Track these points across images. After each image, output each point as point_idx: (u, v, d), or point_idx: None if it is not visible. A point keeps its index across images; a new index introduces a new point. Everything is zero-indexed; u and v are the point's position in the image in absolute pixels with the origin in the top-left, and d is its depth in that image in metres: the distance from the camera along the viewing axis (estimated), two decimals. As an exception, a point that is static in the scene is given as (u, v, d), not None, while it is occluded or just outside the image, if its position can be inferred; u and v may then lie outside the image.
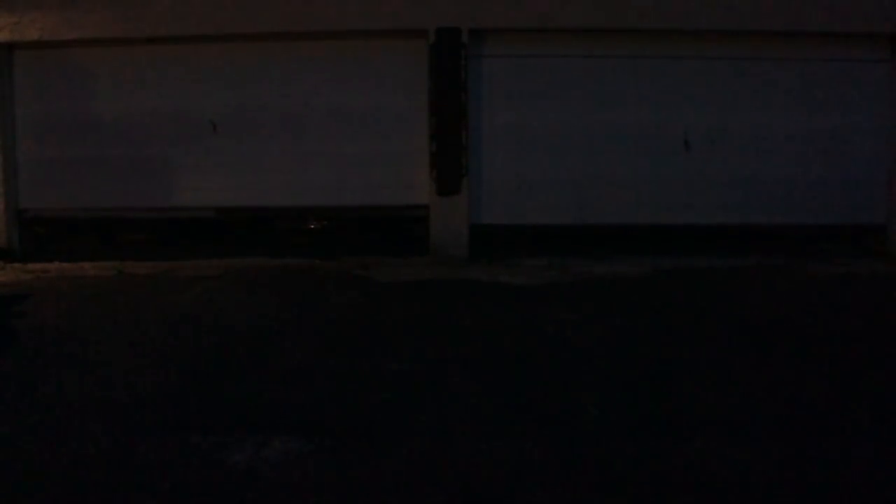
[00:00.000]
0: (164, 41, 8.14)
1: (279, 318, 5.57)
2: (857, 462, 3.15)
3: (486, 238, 8.31)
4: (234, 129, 8.27)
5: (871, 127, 8.18)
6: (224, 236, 9.69)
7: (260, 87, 8.22)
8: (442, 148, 8.01)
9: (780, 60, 8.17)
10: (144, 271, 7.44)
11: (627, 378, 4.23)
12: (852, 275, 7.16)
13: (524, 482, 2.98)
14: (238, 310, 5.87)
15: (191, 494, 2.91)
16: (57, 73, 8.34)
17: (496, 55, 8.11)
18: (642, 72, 8.14)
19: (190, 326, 5.35)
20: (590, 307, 5.87)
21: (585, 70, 8.13)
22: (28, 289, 6.66)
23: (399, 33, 8.06)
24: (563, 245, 8.40)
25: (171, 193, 8.38)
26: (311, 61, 8.20)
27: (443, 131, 8.00)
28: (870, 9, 7.93)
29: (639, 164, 8.17)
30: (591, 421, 3.61)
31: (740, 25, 7.95)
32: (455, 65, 7.93)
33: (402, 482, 3.00)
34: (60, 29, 8.07)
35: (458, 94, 7.97)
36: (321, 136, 8.23)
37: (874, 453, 3.23)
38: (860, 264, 7.67)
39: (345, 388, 4.09)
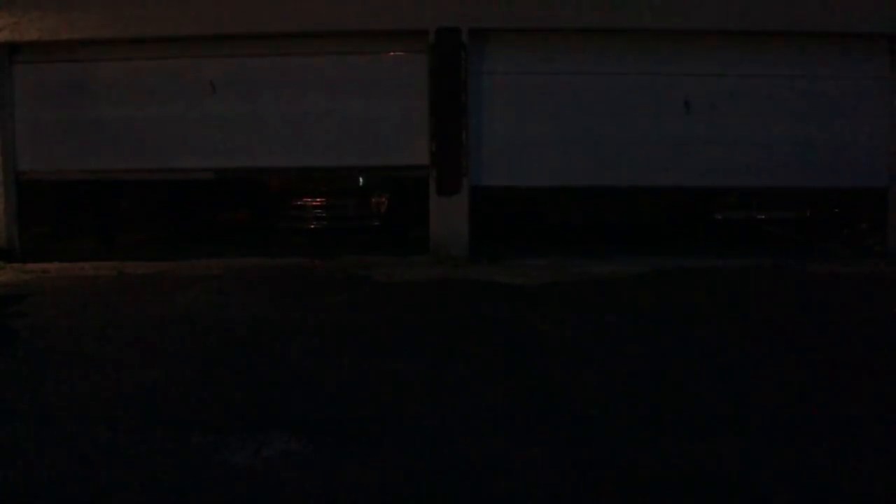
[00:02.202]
0: (164, 40, 8.15)
1: (279, 318, 5.55)
2: (858, 463, 3.14)
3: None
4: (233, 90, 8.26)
5: (873, 91, 8.19)
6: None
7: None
8: (442, 148, 8.01)
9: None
10: (144, 271, 7.43)
11: (627, 378, 4.22)
12: (854, 275, 7.14)
13: (524, 482, 2.97)
14: (238, 310, 5.86)
15: (191, 494, 2.91)
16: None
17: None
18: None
19: (189, 326, 5.33)
20: (589, 308, 5.86)
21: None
22: (28, 289, 6.65)
23: (399, 33, 8.07)
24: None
25: (171, 155, 8.34)
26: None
27: (443, 131, 8.00)
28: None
29: (639, 126, 8.20)
30: (591, 421, 3.60)
31: (738, 26, 7.99)
32: (455, 64, 7.93)
33: (403, 482, 2.99)
34: (60, 29, 8.07)
35: (458, 95, 7.97)
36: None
37: (876, 453, 3.23)
38: (861, 264, 7.65)
39: (345, 388, 4.08)
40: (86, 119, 8.33)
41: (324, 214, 9.61)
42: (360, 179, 9.96)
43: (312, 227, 9.58)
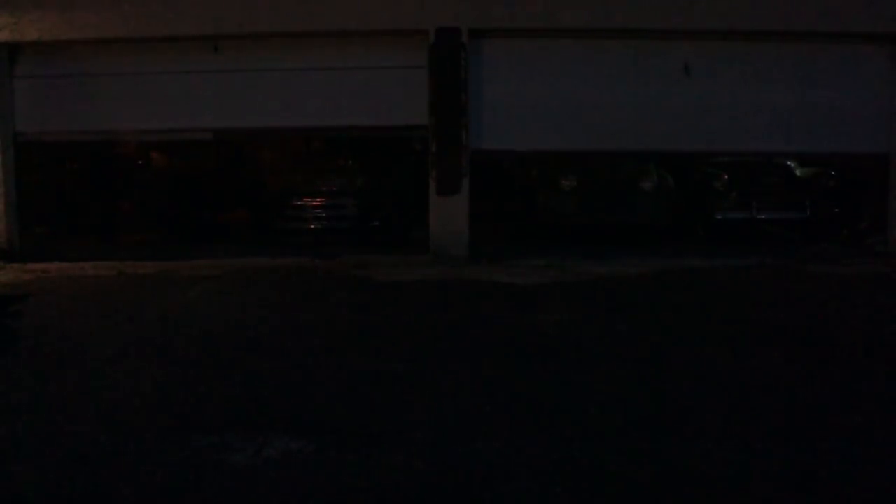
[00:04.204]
0: (164, 40, 8.15)
1: (279, 319, 5.55)
2: (856, 463, 3.14)
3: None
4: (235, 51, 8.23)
5: (875, 58, 8.15)
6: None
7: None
8: (442, 148, 8.01)
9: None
10: (144, 271, 7.43)
11: (628, 379, 4.21)
12: (855, 275, 7.11)
13: (524, 482, 2.97)
14: (238, 310, 5.86)
15: (191, 495, 2.91)
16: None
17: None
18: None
19: (189, 326, 5.33)
20: (588, 308, 5.86)
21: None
22: (28, 289, 6.65)
23: (399, 33, 8.07)
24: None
25: (170, 115, 8.28)
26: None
27: (443, 130, 7.99)
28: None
29: (639, 91, 8.14)
30: (590, 421, 3.60)
31: (736, 26, 7.99)
32: (455, 64, 7.93)
33: (402, 482, 2.99)
34: (61, 28, 8.07)
35: (459, 95, 7.96)
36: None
37: (873, 455, 3.23)
38: (861, 264, 7.63)
39: (344, 388, 4.08)
40: (85, 80, 8.28)
41: (324, 214, 9.55)
42: (361, 179, 9.93)
43: (312, 227, 9.54)
